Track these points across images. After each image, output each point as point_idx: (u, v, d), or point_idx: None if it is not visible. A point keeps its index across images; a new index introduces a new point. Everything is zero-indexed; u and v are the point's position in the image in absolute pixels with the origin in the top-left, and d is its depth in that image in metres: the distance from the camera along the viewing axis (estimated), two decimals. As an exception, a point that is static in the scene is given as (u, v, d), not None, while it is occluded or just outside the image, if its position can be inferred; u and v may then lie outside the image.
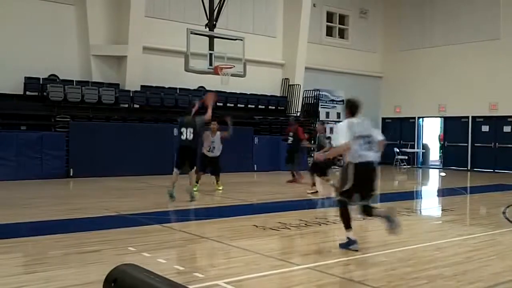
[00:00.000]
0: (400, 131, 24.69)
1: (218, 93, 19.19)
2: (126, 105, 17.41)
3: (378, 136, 7.06)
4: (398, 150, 23.82)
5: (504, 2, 21.74)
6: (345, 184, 6.51)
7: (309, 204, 11.21)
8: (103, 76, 17.72)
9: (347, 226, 6.65)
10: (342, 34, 25.07)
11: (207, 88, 19.37)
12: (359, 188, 6.49)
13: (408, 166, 23.77)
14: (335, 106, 24.34)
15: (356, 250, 6.49)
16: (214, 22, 16.81)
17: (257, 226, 8.21)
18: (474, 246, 7.19)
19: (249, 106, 20.43)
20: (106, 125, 16.34)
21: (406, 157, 24.07)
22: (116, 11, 17.96)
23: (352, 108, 6.88)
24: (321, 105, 23.09)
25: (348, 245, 6.57)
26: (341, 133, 6.58)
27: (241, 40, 16.52)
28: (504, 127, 21.50)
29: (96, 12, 17.52)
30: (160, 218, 8.96)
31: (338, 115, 24.38)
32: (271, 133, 19.76)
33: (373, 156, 6.66)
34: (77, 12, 17.40)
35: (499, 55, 21.68)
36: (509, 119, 21.62)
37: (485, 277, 5.55)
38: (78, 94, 16.45)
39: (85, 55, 17.52)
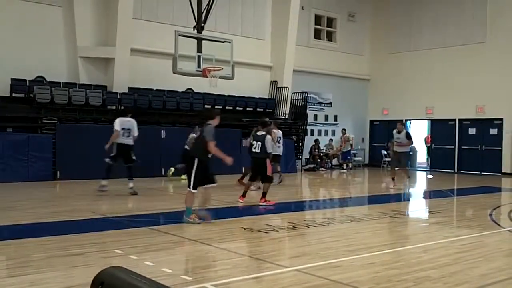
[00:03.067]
0: (388, 133, 24.78)
1: (206, 95, 19.27)
2: (114, 107, 17.30)
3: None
4: (385, 152, 23.89)
5: (490, 6, 21.94)
6: None
7: (297, 207, 11.21)
8: (90, 78, 17.61)
9: None
10: (330, 36, 25.16)
11: (195, 91, 19.36)
12: None
13: (395, 168, 23.80)
14: (323, 109, 24.44)
15: None
16: (203, 24, 16.80)
17: (245, 229, 8.20)
18: (461, 248, 7.23)
19: (237, 108, 20.41)
20: (94, 128, 16.22)
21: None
22: (104, 13, 17.86)
23: None
24: (309, 107, 23.16)
25: None
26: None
27: (229, 42, 16.51)
28: (491, 129, 21.67)
29: (83, 13, 17.41)
30: (148, 220, 8.91)
31: (326, 117, 24.49)
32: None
33: None
34: (64, 14, 17.27)
35: (485, 58, 21.87)
36: (495, 122, 21.80)
37: (471, 279, 5.59)
38: (65, 96, 16.31)
39: (73, 57, 17.40)
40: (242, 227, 8.29)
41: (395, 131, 15.39)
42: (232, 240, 7.50)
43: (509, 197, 15.08)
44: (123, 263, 5.04)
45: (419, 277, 5.60)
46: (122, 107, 17.21)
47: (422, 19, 24.16)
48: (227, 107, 20.03)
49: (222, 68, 16.04)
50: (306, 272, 5.73)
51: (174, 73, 15.54)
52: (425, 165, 25.25)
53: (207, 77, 15.98)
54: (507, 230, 8.78)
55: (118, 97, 17.34)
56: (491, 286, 5.35)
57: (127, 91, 17.76)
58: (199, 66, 15.92)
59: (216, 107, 19.49)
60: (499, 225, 9.36)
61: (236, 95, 20.48)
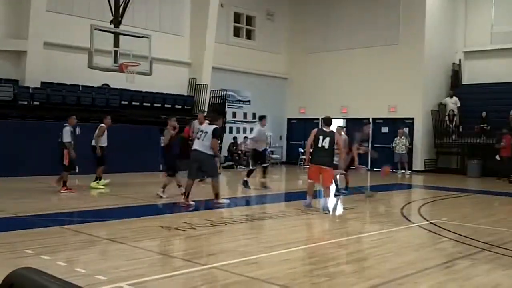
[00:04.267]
0: (305, 132, 25.26)
1: (123, 91, 18.77)
2: (25, 102, 16.48)
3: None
4: (302, 150, 24.37)
5: (402, 11, 22.95)
6: None
7: (216, 204, 11.14)
8: (0, 72, 16.66)
9: None
10: (249, 35, 25.31)
11: (112, 86, 18.81)
12: None
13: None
14: (242, 106, 24.53)
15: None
16: (120, 19, 16.38)
17: (162, 227, 8.04)
18: (373, 243, 7.47)
19: (155, 105, 20.02)
20: (4, 123, 15.40)
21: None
22: (16, 4, 16.98)
23: None
24: (228, 105, 23.17)
25: None
26: None
27: (147, 38, 16.21)
28: (404, 128, 22.57)
29: (-7, 4, 16.46)
30: (61, 219, 8.55)
31: (245, 115, 24.60)
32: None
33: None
34: (-29, 3, 16.25)
35: (397, 60, 22.84)
36: (406, 121, 22.82)
37: (383, 273, 5.77)
38: (-28, 90, 15.34)
39: (-19, 49, 16.40)
40: (160, 225, 8.13)
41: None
42: (148, 239, 7.33)
43: (420, 193, 15.83)
44: (34, 264, 4.77)
45: (333, 271, 5.72)
46: (34, 102, 16.51)
47: (339, 20, 24.84)
48: (144, 104, 19.62)
49: (140, 64, 15.75)
50: (222, 269, 5.69)
51: (89, 67, 15.12)
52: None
53: (124, 72, 15.61)
54: (417, 225, 9.18)
55: (30, 91, 16.54)
56: (401, 280, 5.55)
57: (39, 86, 16.97)
58: (115, 61, 15.53)
59: (133, 103, 19.07)
60: (409, 220, 9.77)
61: (154, 92, 20.11)
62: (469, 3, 24.40)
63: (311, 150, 10.45)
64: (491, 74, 23.19)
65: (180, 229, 7.91)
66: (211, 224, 8.47)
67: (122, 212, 9.83)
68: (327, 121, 10.48)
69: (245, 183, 13.98)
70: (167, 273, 5.56)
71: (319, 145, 10.08)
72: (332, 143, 10.09)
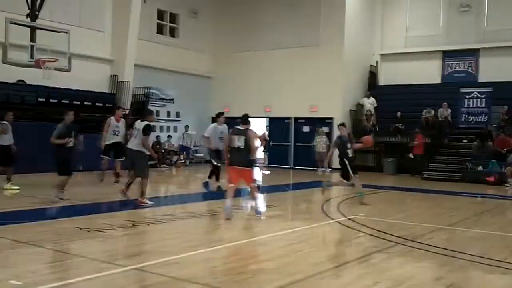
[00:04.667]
0: (228, 131, 25.33)
1: (40, 88, 18.00)
2: None
3: None
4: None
5: (323, 13, 23.51)
6: None
7: (137, 204, 10.94)
8: None
9: None
10: (173, 32, 25.04)
11: (28, 83, 18.00)
12: None
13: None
14: (165, 105, 24.22)
15: None
16: (37, 12, 15.72)
17: (81, 228, 7.80)
18: (295, 239, 7.62)
19: (74, 102, 19.24)
20: None
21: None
22: None
23: None
24: (151, 103, 22.78)
25: None
26: None
27: (66, 32, 15.68)
28: (323, 127, 23.15)
29: None
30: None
31: (168, 113, 24.31)
32: (99, 131, 18.94)
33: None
34: None
35: (319, 61, 23.39)
36: (326, 120, 23.41)
37: (304, 269, 5.91)
38: None
39: None
40: (78, 227, 7.88)
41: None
42: (67, 241, 7.08)
43: (339, 190, 16.25)
44: None
45: (255, 269, 5.79)
46: None
47: (262, 20, 25.08)
48: (63, 101, 18.83)
49: (58, 60, 15.20)
50: (144, 270, 5.62)
51: (3, 63, 14.45)
52: (262, 162, 26.24)
53: (41, 68, 15.02)
54: (336, 221, 9.46)
55: None
56: (321, 274, 5.70)
57: None
58: (32, 57, 14.94)
59: (51, 100, 18.32)
60: (329, 217, 10.05)
61: (73, 89, 19.43)
62: (386, 8, 25.43)
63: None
64: (405, 76, 24.30)
65: (100, 231, 7.70)
66: (132, 224, 8.32)
67: (39, 214, 9.44)
68: (243, 119, 9.79)
69: (206, 184, 13.43)
70: (86, 276, 5.40)
71: (235, 146, 9.43)
72: (247, 142, 9.40)
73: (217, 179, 13.35)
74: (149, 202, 10.54)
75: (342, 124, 12.43)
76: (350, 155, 11.78)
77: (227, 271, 5.65)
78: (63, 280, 5.16)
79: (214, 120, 26.02)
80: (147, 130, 10.40)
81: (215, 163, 13.34)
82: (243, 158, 9.40)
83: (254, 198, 9.87)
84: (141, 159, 10.47)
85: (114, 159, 14.09)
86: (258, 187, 12.41)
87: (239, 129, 9.60)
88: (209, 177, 13.61)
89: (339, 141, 11.95)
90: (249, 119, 9.81)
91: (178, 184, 17.38)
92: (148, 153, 10.66)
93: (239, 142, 9.37)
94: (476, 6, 23.23)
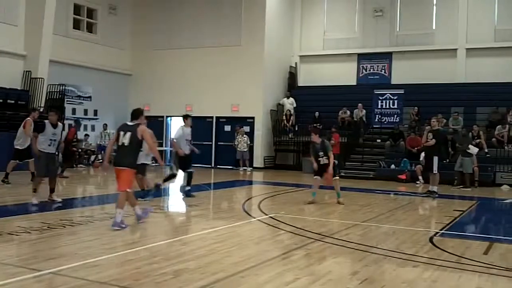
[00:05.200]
0: (149, 129, 24.92)
1: None
2: None
3: None
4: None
5: (244, 14, 23.70)
6: None
7: (54, 206, 10.56)
8: None
9: None
10: (90, 28, 24.30)
11: None
12: None
13: (156, 164, 24.15)
14: (82, 102, 23.50)
15: None
16: None
17: (-9, 232, 7.42)
18: (217, 238, 7.65)
19: (-16, 99, 18.37)
20: None
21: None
22: None
23: None
24: (67, 100, 22.04)
25: None
26: None
27: (-26, 25, 14.80)
28: (244, 127, 23.35)
29: None
30: None
31: (86, 111, 23.58)
32: (10, 129, 18.04)
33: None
34: None
35: (240, 60, 23.57)
36: (248, 120, 23.63)
37: (226, 267, 5.95)
38: None
39: None
40: (-12, 231, 7.49)
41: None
42: (-24, 246, 6.72)
43: (260, 189, 16.50)
44: None
45: (177, 269, 5.76)
46: None
47: (182, 18, 24.91)
48: (-29, 98, 17.89)
49: (-35, 53, 14.32)
50: (62, 274, 5.43)
51: None
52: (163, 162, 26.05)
53: None
54: (257, 219, 9.59)
55: None
56: (243, 273, 5.77)
57: None
58: None
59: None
60: (250, 215, 10.16)
61: (-17, 85, 18.43)
62: (305, 11, 26.04)
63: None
64: (323, 77, 25.03)
65: (13, 234, 7.37)
66: (48, 227, 8.01)
67: None
68: (133, 114, 8.64)
69: (157, 186, 12.28)
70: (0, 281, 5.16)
71: (119, 143, 8.21)
72: (134, 139, 8.14)
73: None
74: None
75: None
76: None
77: (149, 272, 5.58)
78: (-28, 287, 4.90)
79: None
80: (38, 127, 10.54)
81: (174, 171, 12.49)
82: (124, 157, 8.14)
83: (118, 206, 8.15)
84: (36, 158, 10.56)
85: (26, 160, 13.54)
86: (158, 186, 11.97)
87: (128, 124, 8.43)
88: (164, 180, 12.71)
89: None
90: (142, 114, 8.78)
91: (96, 185, 16.89)
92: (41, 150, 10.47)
93: (124, 138, 8.15)
94: (389, 12, 24.32)
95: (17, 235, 7.34)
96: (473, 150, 17.20)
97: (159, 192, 12.37)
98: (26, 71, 20.42)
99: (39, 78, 20.20)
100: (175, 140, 12.37)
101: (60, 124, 10.82)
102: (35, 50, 20.36)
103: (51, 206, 10.24)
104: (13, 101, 19.19)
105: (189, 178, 12.39)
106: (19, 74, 20.35)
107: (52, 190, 10.66)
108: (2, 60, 19.46)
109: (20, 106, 19.24)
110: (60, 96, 21.07)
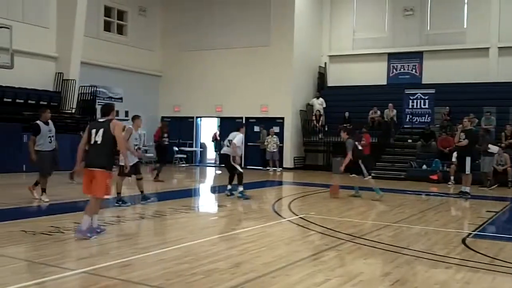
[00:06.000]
0: (179, 130, 25.14)
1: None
2: None
3: None
4: (177, 149, 24.27)
5: (273, 14, 23.67)
6: None
7: (84, 206, 10.69)
8: None
9: None
10: (121, 30, 24.60)
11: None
12: None
13: (186, 165, 24.38)
14: (113, 104, 23.75)
15: None
16: (-24, 7, 15.14)
17: (26, 232, 7.55)
18: (247, 239, 7.63)
19: (17, 101, 18.71)
20: None
21: (185, 156, 24.69)
22: None
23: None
24: (99, 102, 22.30)
25: None
26: None
27: (8, 28, 15.18)
28: (274, 127, 23.30)
29: None
30: None
31: (117, 113, 23.78)
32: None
33: None
34: None
35: (269, 61, 23.53)
36: (277, 120, 23.58)
37: (257, 268, 5.92)
38: None
39: None
40: (23, 230, 7.62)
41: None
42: (11, 245, 6.83)
43: (289, 190, 16.43)
44: None
45: (208, 269, 5.76)
46: None
47: (211, 20, 25.00)
48: (5, 99, 18.27)
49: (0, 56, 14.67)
50: (93, 273, 5.48)
51: None
52: (213, 161, 26.19)
53: (-19, 65, 14.46)
54: (288, 220, 9.54)
55: None
56: (274, 273, 5.74)
57: None
58: (-29, 53, 14.35)
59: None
60: (280, 216, 10.12)
61: (16, 86, 18.80)
62: (334, 10, 25.84)
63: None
64: (353, 77, 24.81)
65: (46, 234, 7.48)
66: (80, 226, 8.09)
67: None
68: (103, 110, 7.93)
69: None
70: (33, 280, 5.23)
71: (92, 141, 7.41)
72: (107, 135, 7.38)
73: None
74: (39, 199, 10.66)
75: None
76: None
77: (180, 272, 5.59)
78: (9, 286, 4.97)
79: (162, 119, 25.82)
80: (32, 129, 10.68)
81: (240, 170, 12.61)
82: (97, 157, 7.35)
83: (89, 213, 7.37)
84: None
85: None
86: (145, 197, 11.38)
87: (99, 121, 7.71)
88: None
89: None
90: (113, 109, 7.93)
91: (127, 185, 17.04)
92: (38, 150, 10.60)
93: (97, 136, 7.37)
94: (420, 11, 23.95)
95: (49, 234, 7.45)
96: (494, 149, 16.91)
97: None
98: (58, 72, 20.81)
99: (71, 79, 20.55)
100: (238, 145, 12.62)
101: (50, 120, 10.91)
102: (67, 52, 20.72)
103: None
104: (45, 103, 19.54)
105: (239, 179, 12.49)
106: (51, 76, 20.76)
107: (44, 190, 10.76)
108: (35, 62, 19.85)
109: (52, 107, 19.56)
110: (91, 97, 21.39)
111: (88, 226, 7.24)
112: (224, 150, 12.85)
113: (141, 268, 5.84)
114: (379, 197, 12.46)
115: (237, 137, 12.55)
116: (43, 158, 10.57)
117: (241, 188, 12.40)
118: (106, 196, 7.52)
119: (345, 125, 22.34)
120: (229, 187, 12.66)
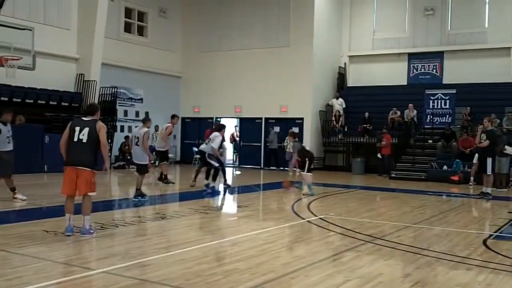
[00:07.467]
0: (199, 131, 25.22)
1: (3, 87, 17.58)
2: None
3: None
4: (196, 150, 24.30)
5: (293, 15, 23.63)
6: None
7: (106, 206, 10.81)
8: None
9: None
10: (141, 31, 24.77)
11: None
12: None
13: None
14: (134, 105, 23.98)
15: None
16: (-1, 9, 15.38)
17: (47, 231, 7.64)
18: (267, 239, 7.63)
19: (39, 102, 18.96)
20: None
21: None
22: None
23: None
24: (119, 103, 22.53)
25: None
26: None
27: (30, 30, 15.38)
28: (293, 128, 23.25)
29: None
30: None
31: (137, 113, 24.04)
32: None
33: None
34: None
35: (288, 62, 23.50)
36: (297, 121, 23.54)
37: (276, 268, 5.92)
38: None
39: None
40: (45, 230, 7.72)
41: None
42: (33, 245, 6.90)
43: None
44: None
45: (227, 270, 5.77)
46: None
47: (231, 20, 25.06)
48: (27, 100, 18.49)
49: (22, 58, 14.89)
50: (114, 273, 5.52)
51: (-36, 60, 14.02)
52: (232, 162, 26.25)
53: (3, 66, 14.69)
54: (307, 220, 9.51)
55: None
56: (292, 274, 5.73)
57: None
58: (-6, 55, 14.58)
59: (14, 100, 17.88)
60: (300, 216, 10.09)
61: (38, 88, 19.05)
62: (354, 10, 25.70)
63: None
64: (373, 77, 24.66)
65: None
66: (101, 227, 8.17)
67: (3, 217, 9.23)
68: (89, 109, 7.88)
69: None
70: (54, 279, 5.29)
71: (75, 139, 7.40)
72: (93, 134, 7.40)
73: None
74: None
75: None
76: None
77: (200, 272, 5.61)
78: (31, 285, 5.03)
79: (182, 120, 25.84)
80: None
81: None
82: (83, 155, 7.39)
83: (88, 211, 7.52)
84: None
85: None
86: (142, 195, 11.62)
87: (83, 120, 7.65)
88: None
89: None
90: (98, 110, 7.91)
91: (147, 185, 17.15)
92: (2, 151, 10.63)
93: (81, 134, 7.39)
94: (440, 10, 23.72)
95: (71, 234, 7.51)
96: (510, 150, 16.63)
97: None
98: (79, 74, 21.03)
99: (92, 80, 20.75)
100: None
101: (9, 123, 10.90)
102: (88, 53, 20.93)
103: (103, 205, 10.46)
104: (67, 104, 19.80)
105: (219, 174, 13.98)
106: (72, 77, 20.98)
107: (13, 189, 10.74)
108: (56, 63, 20.08)
109: (73, 108, 19.82)
110: (112, 98, 21.56)
111: (88, 225, 7.49)
112: (202, 147, 14.16)
113: (161, 268, 5.87)
114: (309, 193, 13.14)
115: (216, 140, 13.67)
116: (3, 157, 10.55)
117: (213, 184, 13.71)
118: (91, 193, 7.53)
119: (364, 125, 22.27)
120: (205, 181, 13.71)
